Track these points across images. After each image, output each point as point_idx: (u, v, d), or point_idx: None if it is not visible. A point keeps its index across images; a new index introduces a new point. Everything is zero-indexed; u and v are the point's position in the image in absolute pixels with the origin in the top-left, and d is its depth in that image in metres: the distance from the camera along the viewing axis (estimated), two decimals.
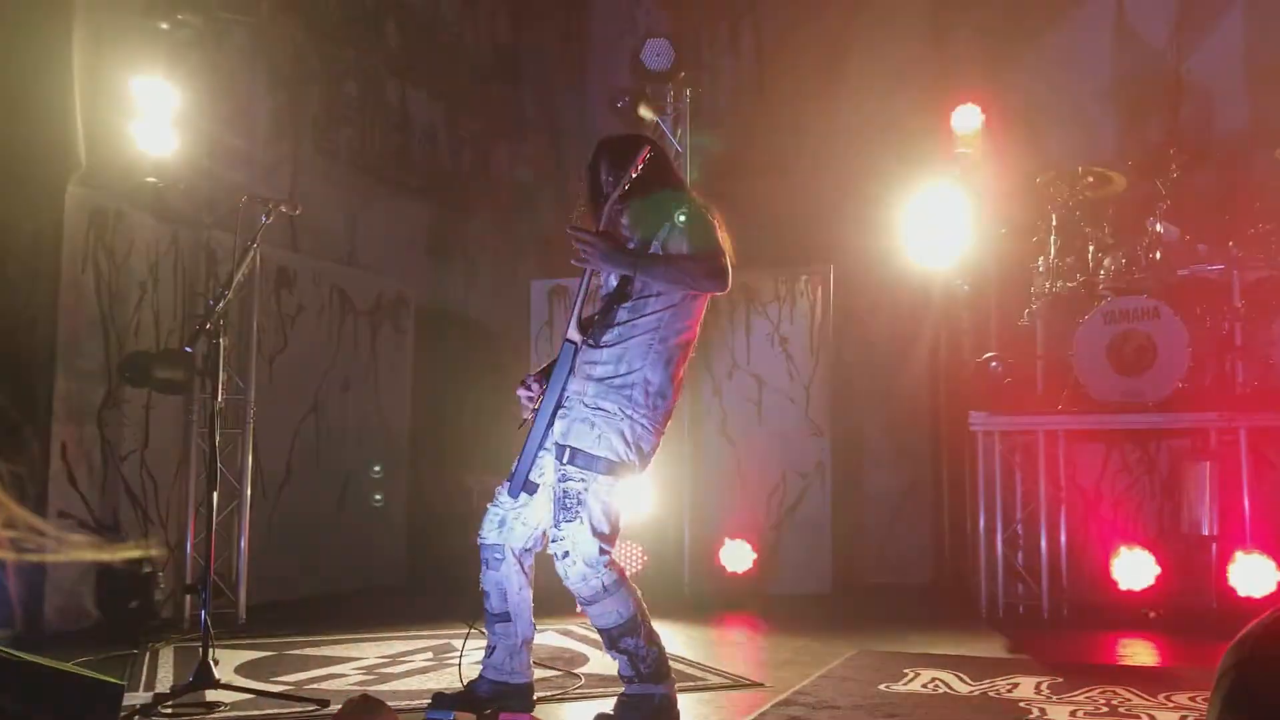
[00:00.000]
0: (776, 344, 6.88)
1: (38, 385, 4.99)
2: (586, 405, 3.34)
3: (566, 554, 3.31)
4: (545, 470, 3.44)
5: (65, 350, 5.10)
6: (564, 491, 3.31)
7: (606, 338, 3.37)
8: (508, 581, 3.53)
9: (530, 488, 3.43)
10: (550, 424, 3.40)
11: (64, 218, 5.10)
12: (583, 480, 3.30)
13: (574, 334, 3.40)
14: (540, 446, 3.42)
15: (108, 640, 4.84)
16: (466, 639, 3.76)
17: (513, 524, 3.50)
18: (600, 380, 3.35)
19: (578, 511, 3.30)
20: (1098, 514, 6.12)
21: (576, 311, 3.44)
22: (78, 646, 4.58)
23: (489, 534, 3.53)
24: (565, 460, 3.32)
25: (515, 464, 3.45)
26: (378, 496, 6.77)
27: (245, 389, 5.73)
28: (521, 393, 3.52)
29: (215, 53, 5.72)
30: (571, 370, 3.40)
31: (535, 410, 3.45)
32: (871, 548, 7.02)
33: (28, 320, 5.02)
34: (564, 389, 3.40)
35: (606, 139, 3.62)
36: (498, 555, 3.51)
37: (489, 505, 3.55)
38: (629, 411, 3.33)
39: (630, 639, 3.36)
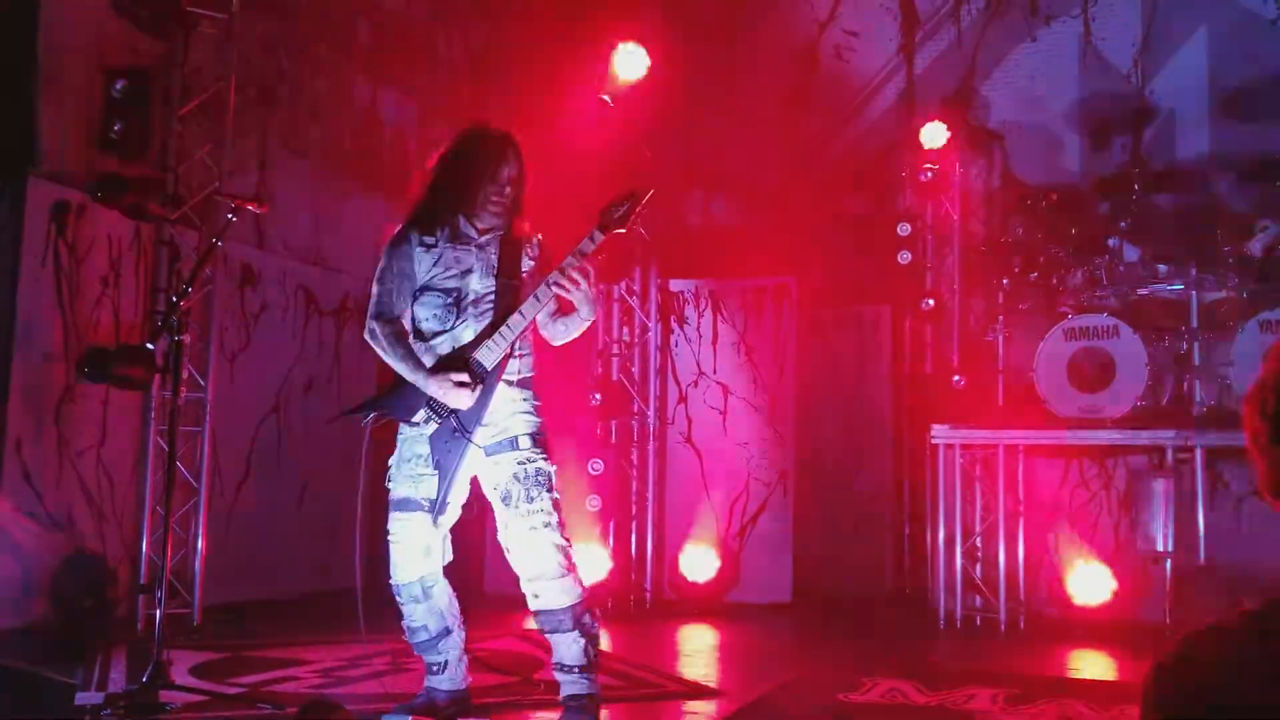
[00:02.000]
0: (742, 353, 6.92)
1: None
2: (523, 402, 3.56)
3: (548, 523, 3.46)
4: (456, 489, 3.55)
5: (23, 344, 5.02)
6: (535, 470, 3.50)
7: (522, 346, 3.58)
8: (443, 600, 3.62)
9: (445, 508, 3.53)
10: (468, 442, 3.47)
11: (25, 210, 5.03)
12: (546, 459, 3.53)
13: (495, 353, 3.47)
14: (460, 467, 3.49)
15: (60, 639, 4.76)
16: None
17: (438, 547, 3.58)
18: (520, 383, 3.58)
19: (551, 485, 3.51)
20: (1055, 528, 6.20)
21: (522, 332, 3.50)
22: (29, 645, 4.50)
23: (415, 568, 3.57)
24: (529, 446, 3.51)
25: (438, 492, 3.50)
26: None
27: (205, 386, 5.67)
28: (467, 394, 3.48)
29: (183, 47, 5.66)
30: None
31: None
32: (832, 558, 7.05)
33: None
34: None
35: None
36: (429, 583, 3.59)
37: (396, 544, 3.58)
38: (539, 404, 3.62)
39: (589, 616, 3.52)
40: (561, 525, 3.51)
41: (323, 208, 7.10)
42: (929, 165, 6.75)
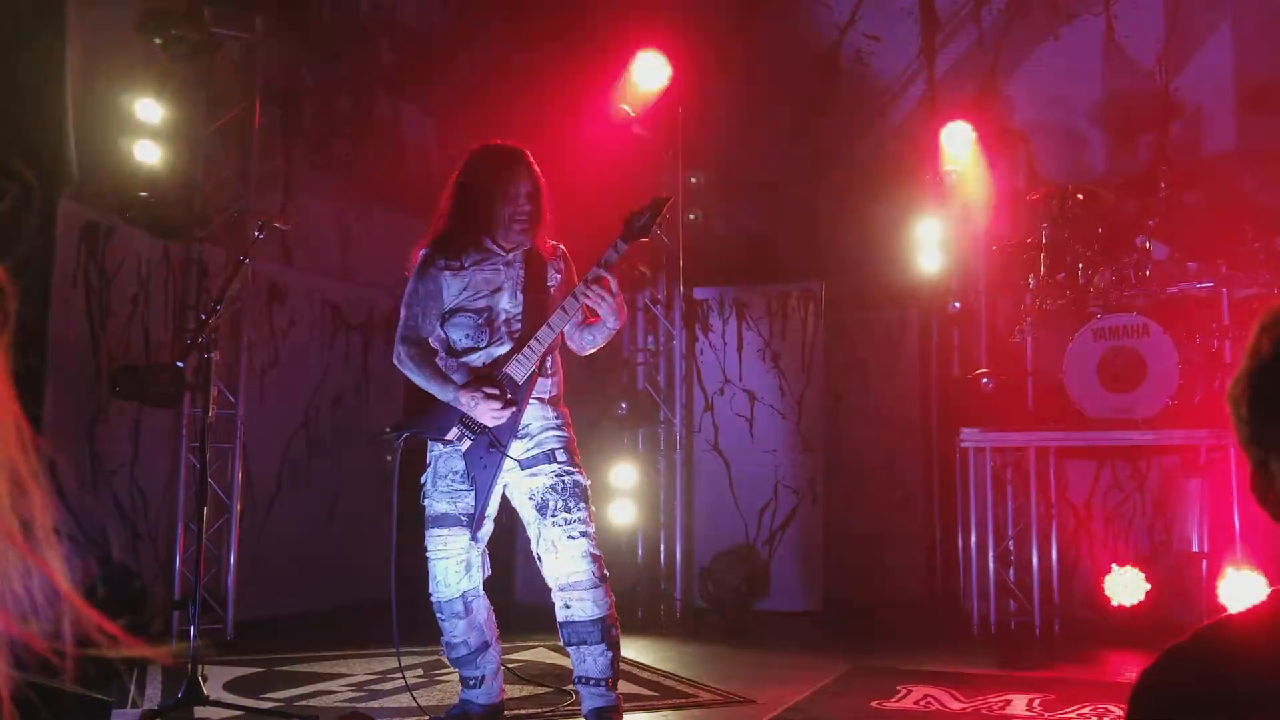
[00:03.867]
0: (768, 360, 6.90)
1: (27, 400, 4.95)
2: (555, 419, 3.62)
3: (585, 533, 3.50)
4: (491, 503, 3.60)
5: (56, 364, 5.08)
6: (573, 482, 3.55)
7: (550, 365, 3.63)
8: (483, 615, 3.65)
9: (483, 522, 3.58)
10: (504, 456, 3.50)
11: (55, 232, 5.10)
12: (583, 473, 3.59)
13: (525, 367, 3.51)
14: (497, 481, 3.53)
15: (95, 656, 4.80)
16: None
17: (478, 562, 3.62)
18: (551, 400, 3.63)
19: (586, 497, 3.56)
20: (1089, 530, 6.14)
21: (548, 347, 3.55)
22: (64, 662, 4.54)
23: (457, 584, 3.59)
24: (565, 460, 3.56)
25: (475, 507, 3.54)
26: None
27: (236, 403, 5.71)
28: (499, 407, 3.50)
29: (208, 68, 5.72)
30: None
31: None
32: (863, 564, 7.01)
33: (18, 335, 4.99)
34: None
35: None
36: (470, 599, 3.61)
37: (439, 561, 3.59)
38: (567, 418, 3.68)
39: (615, 628, 3.54)
40: (594, 538, 3.55)
41: (347, 224, 7.15)
42: (952, 166, 6.72)
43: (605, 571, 3.54)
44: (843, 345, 7.23)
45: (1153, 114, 6.67)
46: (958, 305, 6.76)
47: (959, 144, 6.71)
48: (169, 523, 5.59)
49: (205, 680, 3.82)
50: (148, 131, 5.35)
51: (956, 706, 4.05)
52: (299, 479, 6.50)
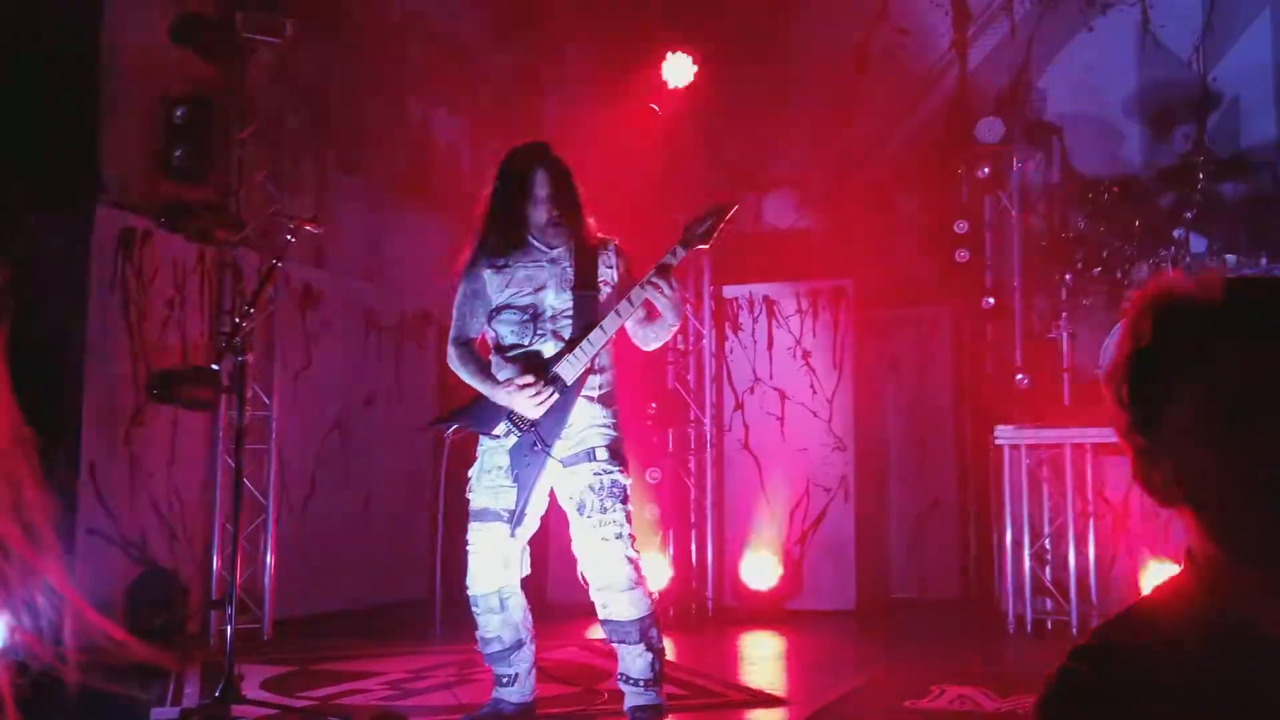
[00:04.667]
0: (799, 358, 6.86)
1: (66, 403, 5.04)
2: (601, 416, 3.58)
3: (620, 535, 3.48)
4: (534, 500, 3.57)
5: (94, 368, 5.15)
6: (611, 482, 3.52)
7: (601, 360, 3.59)
8: (518, 613, 3.63)
9: (524, 519, 3.55)
10: (547, 454, 3.50)
11: (92, 238, 5.16)
12: (623, 472, 3.56)
13: (575, 367, 3.51)
14: (539, 479, 3.52)
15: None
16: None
17: (516, 559, 3.59)
18: (600, 399, 3.59)
19: (625, 498, 3.54)
20: (1126, 528, 6.06)
21: (599, 349, 3.53)
22: (104, 662, 4.60)
23: (493, 579, 3.58)
24: (606, 458, 3.54)
25: (517, 504, 3.52)
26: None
27: (270, 405, 5.77)
28: (536, 394, 3.50)
29: (240, 73, 5.77)
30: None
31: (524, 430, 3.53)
32: (896, 563, 6.97)
33: (57, 339, 5.07)
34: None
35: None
36: (506, 595, 3.60)
37: (476, 555, 3.59)
38: (619, 418, 3.65)
39: (655, 630, 3.53)
40: (633, 538, 3.53)
41: (379, 226, 7.20)
42: (986, 161, 6.65)
43: (643, 573, 3.52)
44: (874, 343, 7.18)
45: (1190, 105, 6.58)
46: (991, 301, 6.70)
47: (992, 138, 6.64)
48: (206, 524, 5.66)
49: (242, 679, 3.86)
50: (181, 137, 5.40)
51: (992, 706, 4.01)
52: (332, 479, 6.55)
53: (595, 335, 3.48)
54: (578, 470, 3.53)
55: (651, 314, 3.58)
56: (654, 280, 3.44)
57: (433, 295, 7.61)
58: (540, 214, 3.59)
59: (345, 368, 6.74)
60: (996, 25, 7.32)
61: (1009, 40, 7.26)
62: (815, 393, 6.80)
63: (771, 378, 6.90)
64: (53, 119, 4.98)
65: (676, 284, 3.48)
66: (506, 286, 3.61)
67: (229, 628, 3.86)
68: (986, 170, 6.66)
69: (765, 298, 6.98)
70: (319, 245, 6.56)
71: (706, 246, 3.53)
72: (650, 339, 3.64)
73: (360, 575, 6.65)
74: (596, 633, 5.45)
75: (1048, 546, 6.06)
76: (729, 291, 7.00)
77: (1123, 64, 6.89)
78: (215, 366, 4.40)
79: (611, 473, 3.53)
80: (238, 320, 3.99)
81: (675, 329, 3.66)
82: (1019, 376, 6.28)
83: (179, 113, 5.40)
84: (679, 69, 6.52)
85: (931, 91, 7.46)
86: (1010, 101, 6.97)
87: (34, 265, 4.91)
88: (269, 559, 5.64)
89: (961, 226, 6.70)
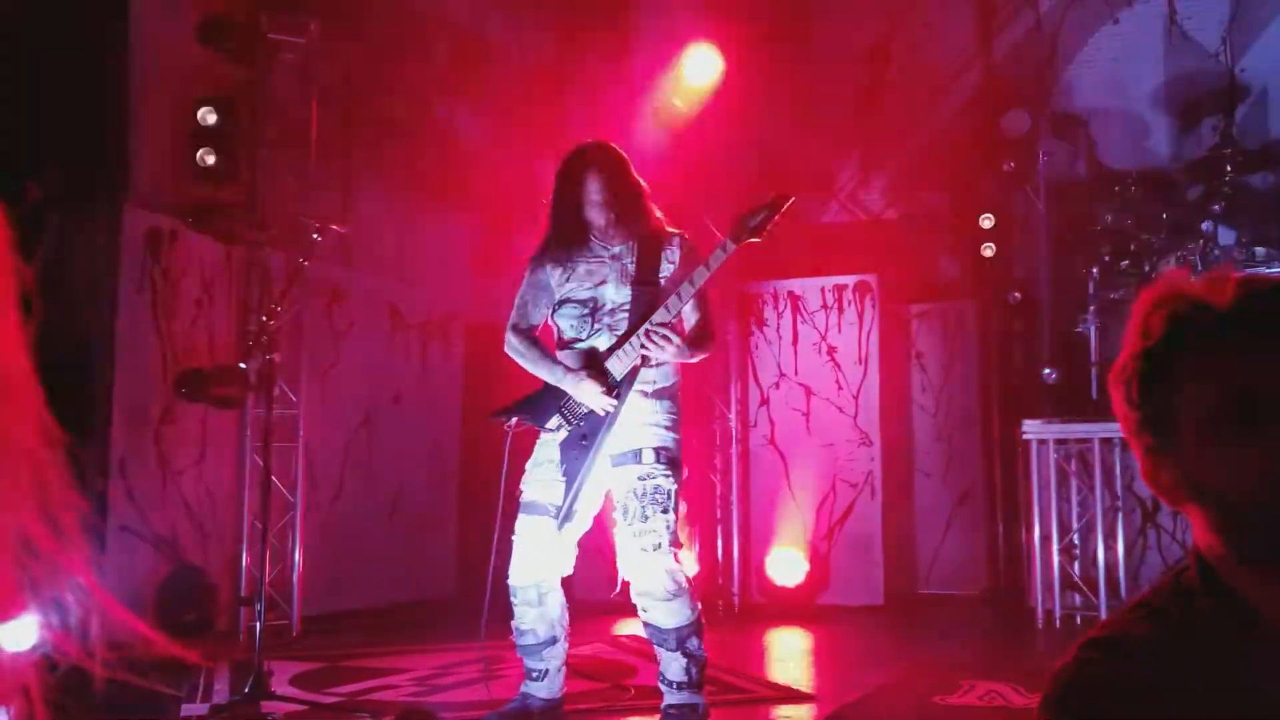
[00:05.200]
0: (824, 353, 6.85)
1: (97, 402, 5.10)
2: (655, 414, 3.53)
3: (658, 546, 3.41)
4: (584, 497, 3.54)
5: (123, 368, 5.21)
6: (654, 487, 3.44)
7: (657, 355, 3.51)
8: (555, 610, 3.61)
9: (571, 516, 3.52)
10: (599, 450, 3.46)
11: (121, 238, 5.22)
12: (668, 476, 3.47)
13: (625, 362, 3.49)
14: (587, 476, 3.48)
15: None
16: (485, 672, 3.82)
17: (560, 555, 3.57)
18: (655, 394, 3.54)
19: (667, 505, 3.44)
20: (1156, 523, 6.01)
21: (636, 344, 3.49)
22: (135, 658, 4.65)
23: (534, 572, 3.56)
24: (652, 460, 3.46)
25: (564, 499, 3.50)
26: None
27: (297, 403, 5.81)
28: (601, 390, 3.48)
29: (267, 73, 5.82)
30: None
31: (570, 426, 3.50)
32: (924, 558, 6.94)
33: (87, 339, 5.14)
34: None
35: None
36: (545, 590, 3.58)
37: (520, 546, 3.58)
38: (677, 416, 3.58)
39: (695, 639, 3.47)
40: (675, 546, 3.45)
41: (405, 224, 7.23)
42: (1012, 154, 6.60)
43: (683, 583, 3.44)
44: (900, 337, 7.15)
45: (1218, 97, 6.50)
46: (1018, 296, 6.66)
47: (1017, 131, 6.59)
48: (235, 521, 5.71)
49: (271, 675, 3.89)
50: (208, 138, 5.45)
51: (1021, 702, 3.99)
52: (360, 477, 6.59)
53: (644, 329, 3.45)
54: (625, 471, 3.48)
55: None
56: (703, 273, 3.39)
57: (459, 293, 7.65)
58: (598, 217, 3.58)
59: (372, 366, 6.77)
60: (1021, 18, 7.26)
61: (1034, 33, 7.20)
62: (841, 388, 6.78)
63: (797, 373, 6.88)
64: (81, 119, 5.03)
65: (674, 337, 3.41)
66: (568, 281, 3.62)
67: (258, 624, 3.89)
68: (1012, 164, 6.61)
69: (790, 293, 6.97)
70: (345, 244, 6.60)
71: (758, 240, 3.42)
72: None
73: (388, 572, 6.69)
74: (623, 629, 5.47)
75: (1076, 542, 6.01)
76: (753, 287, 7.00)
77: (1149, 56, 6.83)
78: (243, 365, 4.44)
79: (655, 477, 3.45)
80: (265, 319, 4.02)
81: (704, 355, 3.61)
82: (1046, 371, 6.23)
83: (205, 113, 5.45)
84: (702, 65, 6.51)
85: (957, 85, 7.41)
86: (1036, 95, 6.92)
87: (63, 265, 4.97)
88: (297, 556, 5.68)
89: (987, 220, 6.67)
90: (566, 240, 3.62)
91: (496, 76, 8.03)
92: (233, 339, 5.80)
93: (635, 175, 3.66)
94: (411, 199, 7.28)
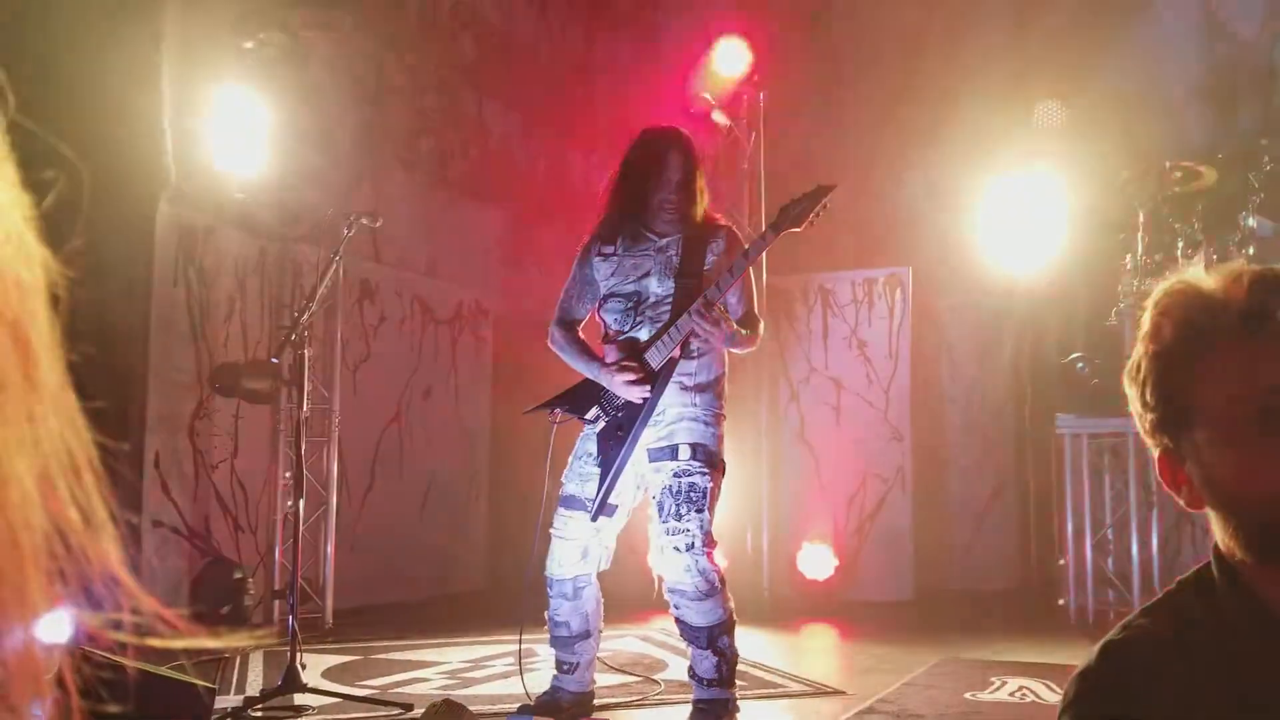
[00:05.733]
0: (854, 347, 6.81)
1: (132, 397, 5.15)
2: (694, 408, 3.50)
3: (691, 545, 3.38)
4: (621, 491, 3.52)
5: (158, 363, 5.26)
6: (689, 485, 3.41)
7: (697, 347, 3.50)
8: (590, 604, 3.61)
9: (609, 510, 3.50)
10: (635, 442, 3.44)
11: (155, 235, 5.27)
12: (704, 474, 3.45)
13: (662, 353, 3.46)
14: (622, 469, 3.46)
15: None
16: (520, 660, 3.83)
17: (596, 550, 3.56)
18: (695, 388, 3.51)
19: (702, 504, 3.41)
20: (1190, 518, 5.93)
21: (687, 334, 3.47)
22: (171, 650, 4.71)
23: (569, 567, 3.56)
24: (688, 457, 3.43)
25: (598, 491, 3.48)
26: None
27: (330, 398, 5.85)
28: (634, 380, 3.47)
29: (299, 69, 5.85)
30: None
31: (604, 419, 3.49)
32: (955, 553, 6.89)
33: (122, 335, 5.19)
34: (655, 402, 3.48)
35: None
36: (581, 584, 3.58)
37: (557, 539, 3.58)
38: (719, 411, 3.55)
39: (726, 638, 3.45)
40: (709, 545, 3.42)
41: (434, 219, 7.26)
42: (1044, 145, 6.54)
43: (716, 583, 3.41)
44: (931, 331, 7.10)
45: (1256, 85, 6.41)
46: (1051, 288, 6.59)
47: (1052, 121, 6.53)
48: (268, 515, 5.76)
49: (304, 668, 3.92)
50: (241, 132, 5.49)
51: (1053, 699, 3.95)
52: (392, 471, 6.63)
53: (683, 321, 3.41)
54: (661, 468, 3.47)
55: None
56: (741, 265, 3.39)
57: (488, 286, 7.68)
58: (667, 196, 3.55)
59: (403, 361, 6.81)
60: (1058, 6, 7.18)
61: (1069, 22, 7.11)
62: (871, 382, 6.75)
63: (827, 367, 6.85)
64: (115, 114, 5.08)
65: (718, 315, 3.35)
66: (613, 274, 3.62)
67: (291, 617, 3.92)
68: (1047, 154, 6.54)
69: (820, 286, 6.93)
70: (376, 240, 6.63)
71: (799, 230, 3.41)
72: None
73: (419, 565, 6.73)
74: (654, 624, 5.48)
75: (1109, 537, 5.96)
76: (783, 281, 6.96)
77: (1185, 44, 6.73)
78: (276, 360, 4.47)
79: (691, 475, 3.42)
80: (297, 314, 4.05)
81: (752, 345, 3.60)
82: (1080, 364, 6.17)
83: (239, 108, 5.48)
84: (732, 57, 6.49)
85: (990, 75, 7.33)
86: (1071, 83, 6.84)
87: (97, 261, 5.03)
88: (329, 549, 5.73)
89: (1021, 212, 6.60)
90: (621, 225, 3.60)
91: (525, 71, 8.04)
92: (266, 334, 5.85)
93: (701, 173, 3.67)
94: (441, 193, 7.30)
